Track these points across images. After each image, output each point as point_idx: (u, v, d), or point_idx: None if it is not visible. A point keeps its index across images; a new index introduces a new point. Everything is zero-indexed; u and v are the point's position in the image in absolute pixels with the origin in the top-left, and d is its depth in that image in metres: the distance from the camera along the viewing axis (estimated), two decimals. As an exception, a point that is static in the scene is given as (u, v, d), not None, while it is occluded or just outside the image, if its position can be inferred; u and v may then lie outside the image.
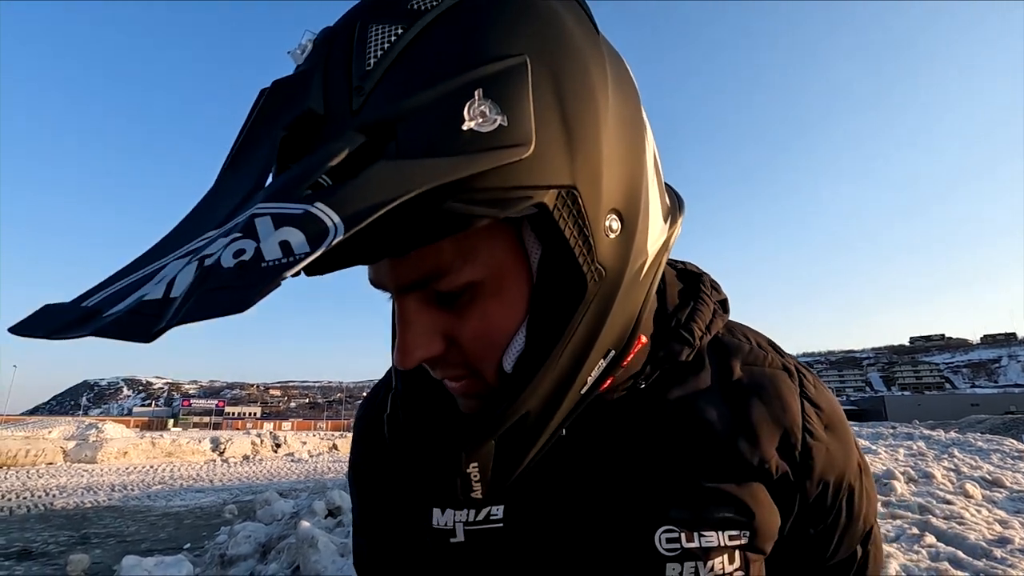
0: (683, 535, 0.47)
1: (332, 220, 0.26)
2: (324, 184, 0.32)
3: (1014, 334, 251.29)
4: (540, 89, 0.35)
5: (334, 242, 0.26)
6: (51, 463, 19.44)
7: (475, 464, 0.42)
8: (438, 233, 0.34)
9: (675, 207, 0.51)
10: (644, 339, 0.49)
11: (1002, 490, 7.22)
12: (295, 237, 0.26)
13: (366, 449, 0.63)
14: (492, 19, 0.35)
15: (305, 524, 5.84)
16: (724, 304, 0.58)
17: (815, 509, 0.52)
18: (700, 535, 0.47)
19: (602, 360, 0.44)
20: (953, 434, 15.54)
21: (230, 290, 0.24)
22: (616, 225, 0.40)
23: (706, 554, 0.47)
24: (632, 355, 0.47)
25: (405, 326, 0.41)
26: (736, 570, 0.48)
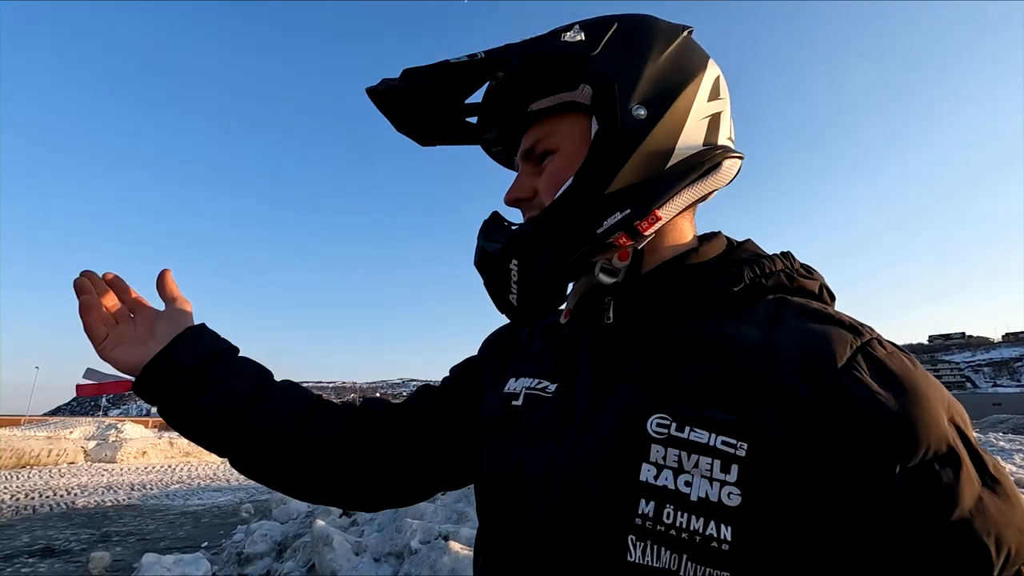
0: (674, 424, 0.51)
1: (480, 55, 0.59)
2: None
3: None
4: (616, 35, 0.60)
5: (476, 57, 0.59)
6: (72, 463, 19.78)
7: (515, 261, 0.59)
8: (535, 96, 0.62)
9: (727, 151, 0.63)
10: (662, 215, 0.59)
11: (1025, 491, 7.06)
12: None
13: (493, 335, 0.86)
14: (614, 14, 0.63)
15: (320, 523, 5.89)
16: (807, 277, 0.62)
17: (855, 463, 0.46)
18: (691, 429, 0.50)
19: (618, 212, 0.57)
20: (975, 434, 15.22)
21: None
22: (642, 112, 0.58)
23: (692, 447, 0.50)
24: (650, 227, 0.58)
25: (517, 178, 0.67)
26: (731, 484, 0.47)
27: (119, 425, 26.53)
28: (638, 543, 0.49)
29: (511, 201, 0.66)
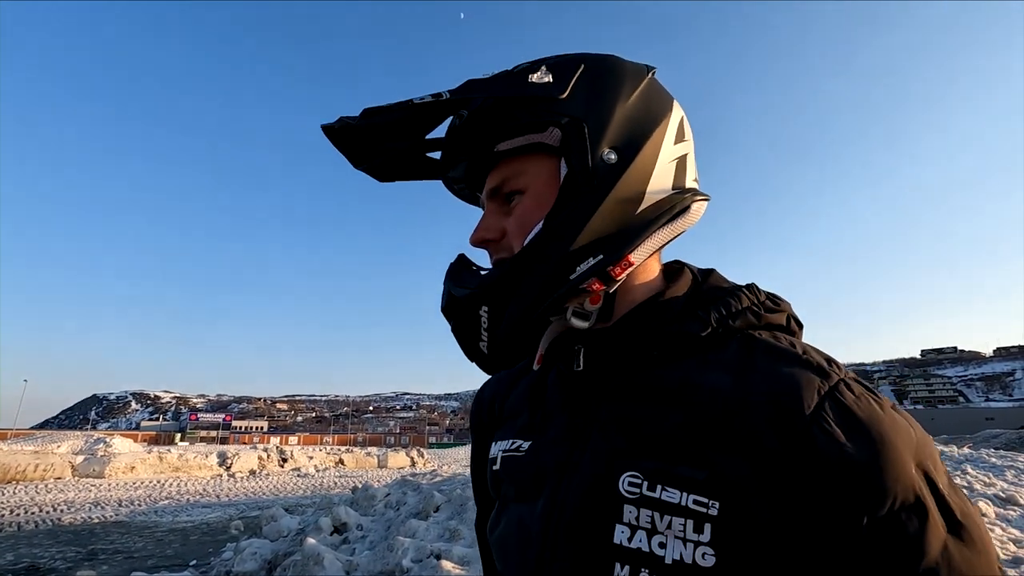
0: (645, 483, 0.50)
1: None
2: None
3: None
4: (583, 77, 0.59)
5: (440, 98, 0.57)
6: (59, 478, 19.48)
7: (485, 308, 0.58)
8: (501, 137, 0.60)
9: (694, 193, 0.63)
10: (634, 260, 0.58)
11: (1016, 508, 7.09)
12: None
13: (475, 403, 0.82)
14: (580, 54, 0.62)
15: (311, 541, 5.83)
16: (774, 310, 0.61)
17: (824, 515, 0.46)
18: (663, 488, 0.49)
19: (591, 258, 0.56)
20: (966, 450, 15.29)
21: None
22: (612, 156, 0.58)
23: (665, 508, 0.49)
24: (622, 272, 0.57)
25: (483, 217, 0.64)
26: (705, 544, 0.47)
27: (108, 439, 26.18)
28: None
29: (477, 242, 0.63)
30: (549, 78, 0.58)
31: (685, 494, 0.48)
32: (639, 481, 0.51)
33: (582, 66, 0.60)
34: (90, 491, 16.23)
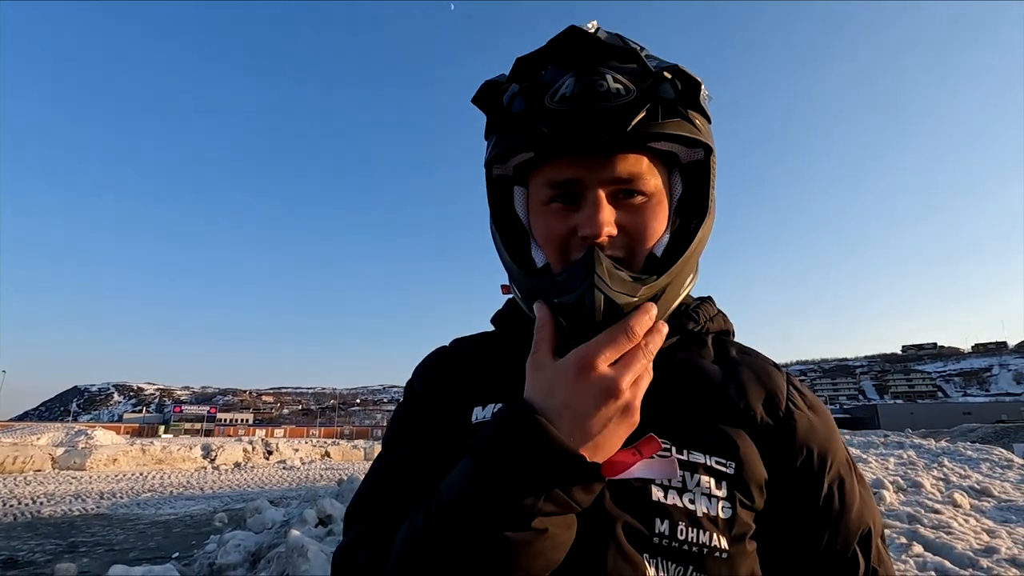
0: (674, 448, 0.59)
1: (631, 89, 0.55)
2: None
3: (1004, 343, 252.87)
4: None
5: (620, 103, 0.54)
6: (39, 470, 19.21)
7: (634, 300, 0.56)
8: (658, 139, 0.58)
9: None
10: (695, 281, 0.67)
11: (990, 499, 7.27)
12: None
13: (430, 369, 0.77)
14: None
15: (295, 533, 5.81)
16: (726, 321, 0.75)
17: (801, 476, 0.61)
18: (689, 452, 0.58)
19: (691, 276, 0.64)
20: (944, 443, 15.63)
21: None
22: (715, 193, 0.64)
23: (693, 468, 0.57)
24: (692, 286, 0.66)
25: (599, 209, 0.58)
26: (723, 499, 0.57)
27: (89, 431, 25.87)
28: (652, 560, 0.54)
29: (601, 236, 0.57)
30: (709, 100, 0.61)
31: (708, 456, 0.58)
32: (668, 446, 0.59)
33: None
34: (71, 483, 16.02)
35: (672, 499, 0.56)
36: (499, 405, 0.65)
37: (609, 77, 0.54)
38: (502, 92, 0.62)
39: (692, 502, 0.56)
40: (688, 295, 0.72)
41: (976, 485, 7.96)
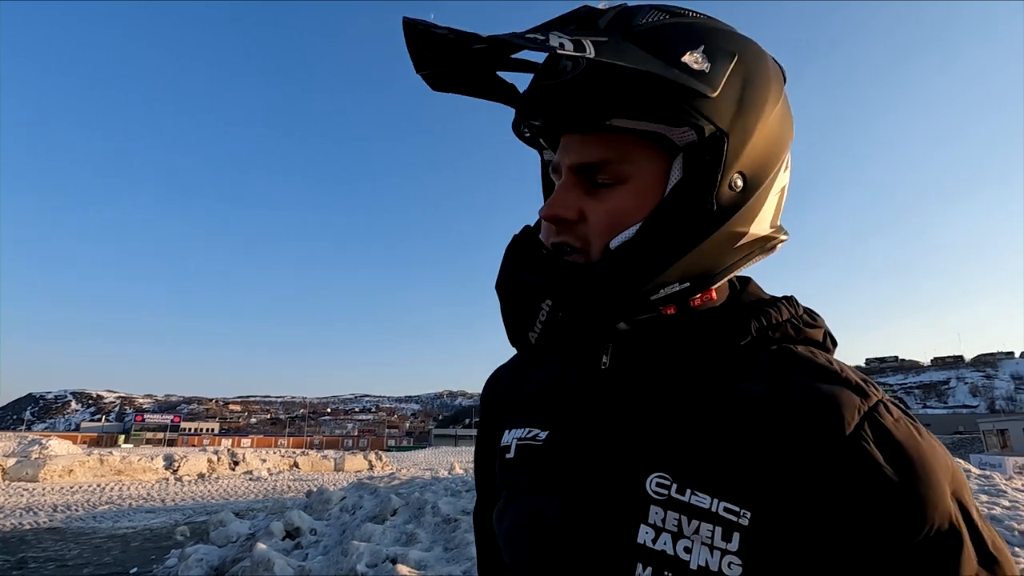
0: (674, 485, 0.49)
1: (590, 48, 0.44)
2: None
3: (961, 357, 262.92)
4: (735, 74, 0.51)
5: (585, 55, 0.43)
6: (-12, 482, 18.27)
7: (548, 303, 0.52)
8: (623, 114, 0.50)
9: (781, 230, 0.60)
10: (715, 295, 0.58)
11: (950, 508, 7.46)
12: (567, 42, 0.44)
13: (484, 391, 0.78)
14: (729, 30, 0.55)
15: (261, 546, 5.64)
16: (812, 326, 0.58)
17: (865, 538, 0.44)
18: (692, 492, 0.48)
19: (677, 283, 0.53)
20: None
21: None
22: (739, 183, 0.52)
23: (693, 512, 0.47)
24: (700, 300, 0.57)
25: (559, 191, 0.55)
26: (732, 553, 0.45)
27: (44, 441, 24.75)
28: None
29: (551, 218, 0.55)
30: (706, 66, 0.49)
31: (716, 500, 0.47)
32: (667, 483, 0.49)
33: (735, 58, 0.51)
34: (22, 495, 15.27)
35: (663, 544, 0.47)
36: (521, 430, 0.64)
37: (581, 61, 0.50)
38: None
39: (688, 551, 0.46)
40: (753, 292, 0.62)
41: (937, 495, 8.17)
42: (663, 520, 0.48)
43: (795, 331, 0.57)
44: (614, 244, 0.52)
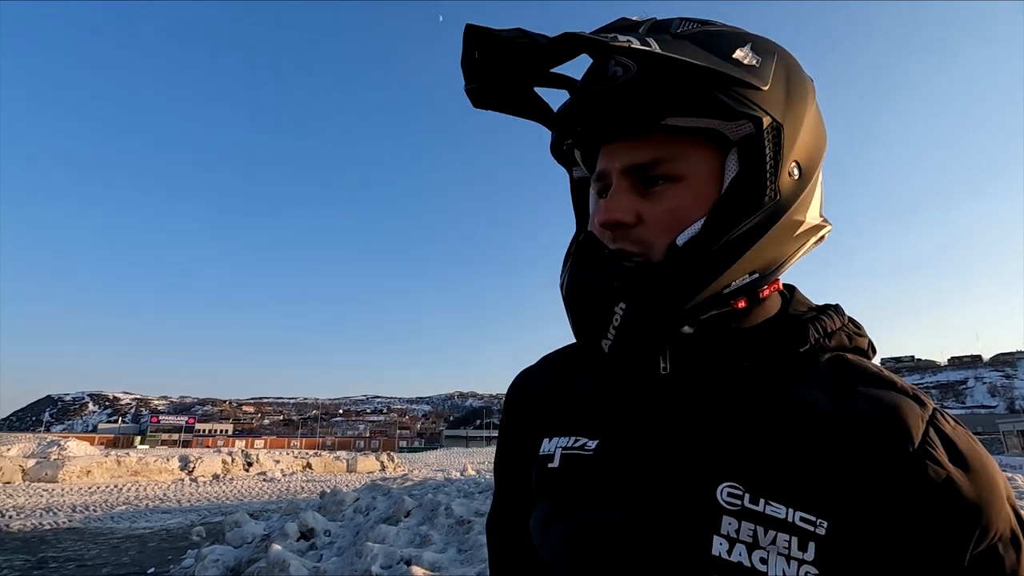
0: (747, 495, 0.47)
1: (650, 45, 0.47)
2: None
3: (979, 356, 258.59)
4: (779, 69, 0.53)
5: (651, 49, 0.46)
6: (8, 482, 18.60)
7: (623, 305, 0.51)
8: (679, 112, 0.51)
9: (826, 220, 0.62)
10: (780, 284, 0.60)
11: (971, 511, 7.32)
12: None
13: (511, 394, 0.75)
14: (761, 36, 0.56)
15: (276, 547, 5.68)
16: (859, 335, 0.59)
17: (933, 547, 0.45)
18: (767, 502, 0.47)
19: (747, 275, 0.53)
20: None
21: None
22: (796, 172, 0.54)
23: (769, 522, 0.46)
24: (769, 291, 0.58)
25: (614, 195, 0.55)
26: (809, 563, 0.45)
27: (62, 442, 25.17)
28: None
29: (609, 222, 0.54)
30: (756, 61, 0.51)
31: (791, 510, 0.46)
32: (740, 492, 0.48)
33: (776, 56, 0.54)
34: (42, 496, 15.52)
35: (738, 556, 0.46)
36: (565, 439, 0.61)
37: (612, 61, 0.51)
38: None
39: (764, 562, 0.45)
40: (802, 301, 0.62)
41: (957, 497, 8.04)
42: (737, 531, 0.47)
43: (848, 339, 0.57)
44: (681, 240, 0.53)
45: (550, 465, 0.60)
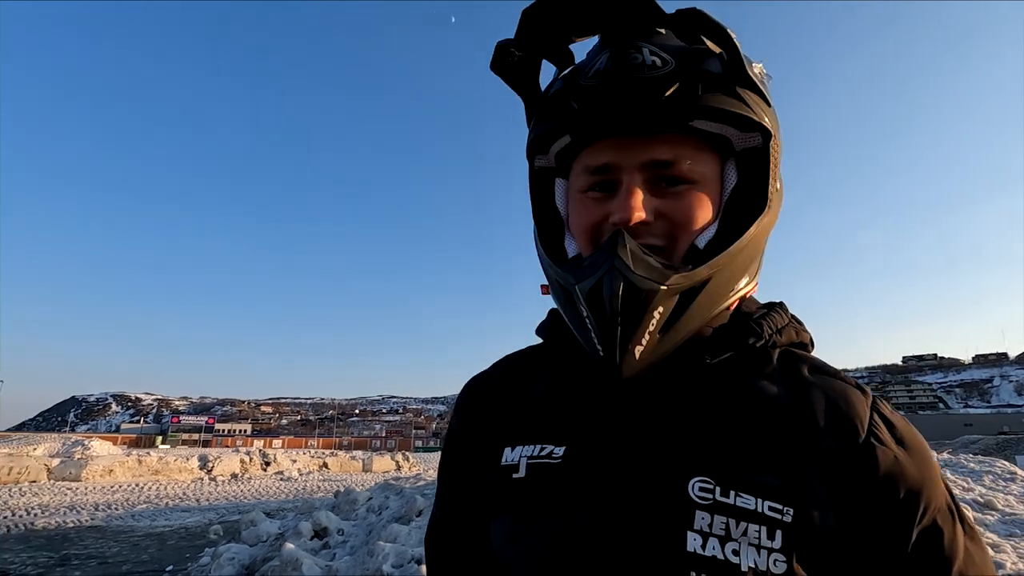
0: (718, 488, 0.48)
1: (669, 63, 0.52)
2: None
3: (1005, 354, 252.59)
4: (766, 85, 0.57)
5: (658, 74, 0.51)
6: (34, 481, 19.04)
7: (661, 309, 0.51)
8: (708, 116, 0.53)
9: None
10: (755, 287, 0.62)
11: (994, 513, 7.18)
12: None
13: (464, 400, 0.72)
14: None
15: (290, 546, 5.74)
16: (803, 330, 0.63)
17: (883, 524, 0.49)
18: (737, 494, 0.48)
19: (744, 278, 0.58)
20: (945, 455, 15.50)
21: None
22: (779, 185, 0.59)
23: (740, 514, 0.47)
24: (750, 292, 0.61)
25: (631, 194, 0.54)
26: (777, 551, 0.46)
27: (86, 442, 25.71)
28: None
29: (634, 223, 0.53)
30: (767, 78, 0.57)
31: (760, 500, 0.48)
32: (711, 486, 0.49)
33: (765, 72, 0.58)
34: (66, 495, 15.88)
35: (712, 550, 0.46)
36: (529, 447, 0.58)
37: (646, 50, 0.52)
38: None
39: (736, 553, 0.46)
40: (751, 300, 0.64)
41: (979, 498, 7.87)
42: (710, 525, 0.47)
43: (796, 334, 0.61)
44: (701, 243, 0.55)
45: (515, 476, 0.58)
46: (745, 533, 0.47)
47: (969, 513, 6.70)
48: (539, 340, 0.71)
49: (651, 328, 0.51)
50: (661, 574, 0.47)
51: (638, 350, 0.51)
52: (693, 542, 0.47)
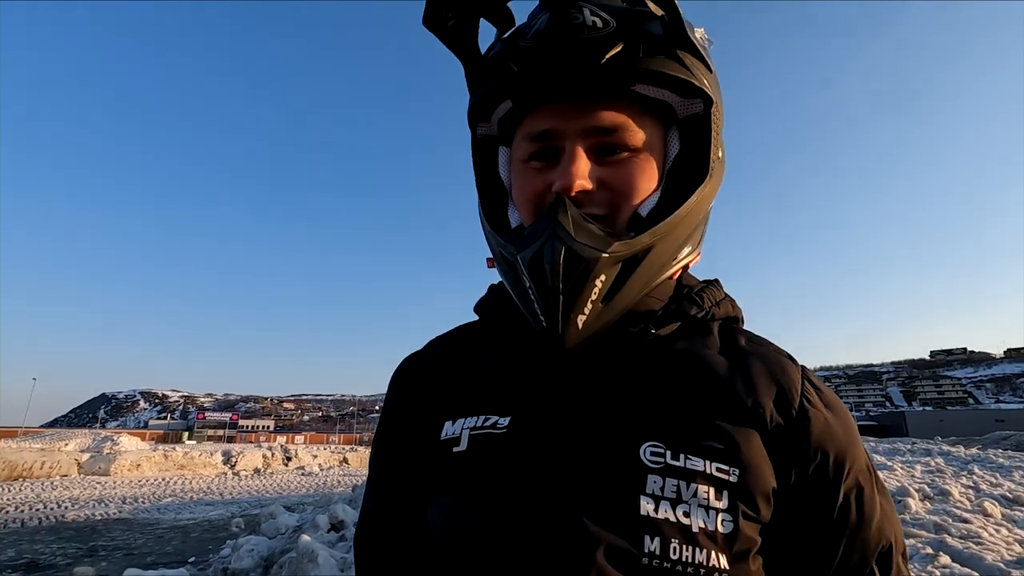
0: (668, 452, 0.49)
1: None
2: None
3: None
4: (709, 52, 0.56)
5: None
6: (66, 475, 19.66)
7: (603, 278, 0.51)
8: (650, 80, 0.53)
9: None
10: (699, 257, 0.62)
11: (1023, 509, 6.98)
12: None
13: (398, 381, 0.69)
14: None
15: (306, 538, 5.82)
16: (736, 305, 0.65)
17: (814, 484, 0.52)
18: (686, 457, 0.49)
19: (687, 247, 0.58)
20: (974, 451, 15.13)
21: None
22: (721, 153, 0.59)
23: (690, 476, 0.48)
24: (692, 261, 0.61)
25: (573, 161, 0.53)
26: (723, 510, 0.48)
27: (115, 437, 26.42)
28: None
29: (576, 190, 0.52)
30: (708, 43, 0.56)
31: (708, 462, 0.49)
32: (662, 450, 0.50)
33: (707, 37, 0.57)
34: (95, 488, 16.35)
35: (664, 512, 0.47)
36: (472, 419, 0.56)
37: (586, 10, 0.50)
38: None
39: (687, 515, 0.47)
40: (690, 276, 0.65)
41: (1008, 494, 7.65)
42: (662, 488, 0.48)
43: (732, 307, 0.63)
44: (644, 211, 0.54)
45: (456, 449, 0.55)
46: (695, 495, 0.48)
47: (996, 509, 6.57)
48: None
49: (593, 297, 0.51)
50: (615, 538, 0.47)
51: (580, 319, 0.51)
52: (647, 505, 0.47)
